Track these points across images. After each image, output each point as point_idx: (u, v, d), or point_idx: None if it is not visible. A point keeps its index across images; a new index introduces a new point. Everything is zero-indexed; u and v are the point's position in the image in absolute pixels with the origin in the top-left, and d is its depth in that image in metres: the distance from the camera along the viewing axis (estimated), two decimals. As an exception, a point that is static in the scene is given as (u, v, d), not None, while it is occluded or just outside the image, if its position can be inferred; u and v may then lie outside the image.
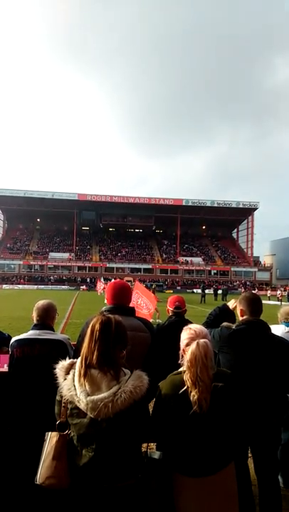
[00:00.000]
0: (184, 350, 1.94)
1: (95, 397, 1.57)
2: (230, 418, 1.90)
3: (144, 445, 1.99)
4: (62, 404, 1.72)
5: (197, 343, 1.86)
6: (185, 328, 2.04)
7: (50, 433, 1.76)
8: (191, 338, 1.92)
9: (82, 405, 1.60)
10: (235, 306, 2.97)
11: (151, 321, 6.06)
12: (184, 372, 1.87)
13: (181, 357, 1.97)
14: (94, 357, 1.65)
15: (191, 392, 1.79)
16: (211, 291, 39.46)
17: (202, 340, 1.89)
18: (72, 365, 1.74)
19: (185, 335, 1.99)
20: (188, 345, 1.91)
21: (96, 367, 1.65)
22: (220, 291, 37.17)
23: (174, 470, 1.85)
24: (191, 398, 1.78)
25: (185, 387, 1.82)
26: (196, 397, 1.77)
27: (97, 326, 1.69)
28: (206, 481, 1.80)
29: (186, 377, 1.82)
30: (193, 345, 1.86)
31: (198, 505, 1.79)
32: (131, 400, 1.55)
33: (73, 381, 1.67)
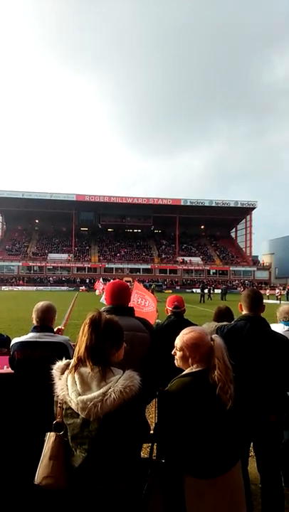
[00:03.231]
0: (198, 353, 1.88)
1: (85, 397, 1.58)
2: (240, 414, 1.92)
3: (145, 446, 1.98)
4: (58, 405, 1.73)
5: (216, 338, 1.90)
6: (185, 332, 1.98)
7: (48, 433, 1.78)
8: (203, 337, 1.90)
9: (73, 405, 1.61)
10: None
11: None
12: (208, 369, 1.85)
13: (188, 360, 1.92)
14: (81, 350, 1.67)
15: (224, 387, 1.79)
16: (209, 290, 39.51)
17: (216, 336, 1.93)
18: (67, 366, 1.75)
19: (192, 336, 1.91)
20: (199, 346, 1.88)
21: (85, 362, 1.66)
22: (218, 291, 37.18)
23: (183, 472, 1.82)
24: (225, 395, 1.78)
25: (219, 385, 1.79)
26: (229, 393, 1.79)
27: (87, 321, 1.72)
28: (218, 481, 1.80)
29: (216, 372, 1.81)
30: (218, 340, 1.88)
31: (209, 506, 1.78)
32: (121, 400, 1.54)
33: (66, 381, 1.68)
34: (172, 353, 2.00)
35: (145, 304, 7.73)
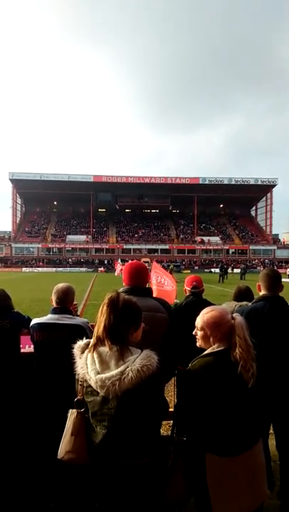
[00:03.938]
0: (219, 332, 1.87)
1: (104, 375, 1.60)
2: (262, 392, 1.91)
3: (165, 423, 2.01)
4: (79, 383, 1.78)
5: (237, 317, 1.88)
6: (206, 311, 1.96)
7: (71, 410, 1.86)
8: (224, 315, 1.89)
9: (92, 383, 1.64)
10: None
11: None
12: (229, 348, 1.84)
13: (209, 339, 1.91)
14: (100, 329, 1.69)
15: (246, 365, 1.78)
16: (229, 270, 39.19)
17: (237, 315, 1.91)
18: (87, 345, 1.78)
19: (212, 315, 1.90)
20: (220, 324, 1.87)
21: (103, 342, 1.69)
22: (237, 270, 36.86)
23: (205, 450, 1.83)
24: (247, 373, 1.78)
25: (241, 363, 1.79)
26: (251, 371, 1.79)
27: (105, 301, 1.74)
28: (239, 458, 1.81)
29: (238, 351, 1.80)
30: (239, 319, 1.87)
31: (230, 483, 1.79)
32: (138, 378, 1.56)
33: (86, 360, 1.71)
34: (193, 333, 2.00)
35: (164, 283, 7.74)
